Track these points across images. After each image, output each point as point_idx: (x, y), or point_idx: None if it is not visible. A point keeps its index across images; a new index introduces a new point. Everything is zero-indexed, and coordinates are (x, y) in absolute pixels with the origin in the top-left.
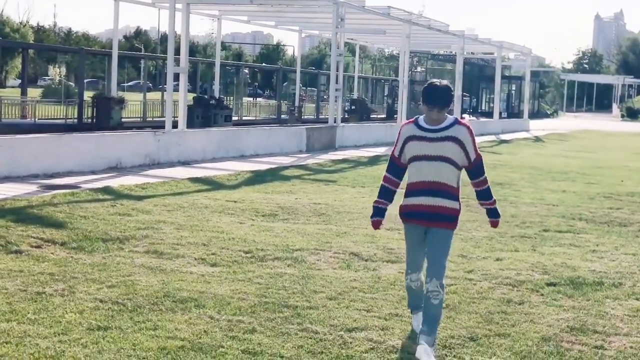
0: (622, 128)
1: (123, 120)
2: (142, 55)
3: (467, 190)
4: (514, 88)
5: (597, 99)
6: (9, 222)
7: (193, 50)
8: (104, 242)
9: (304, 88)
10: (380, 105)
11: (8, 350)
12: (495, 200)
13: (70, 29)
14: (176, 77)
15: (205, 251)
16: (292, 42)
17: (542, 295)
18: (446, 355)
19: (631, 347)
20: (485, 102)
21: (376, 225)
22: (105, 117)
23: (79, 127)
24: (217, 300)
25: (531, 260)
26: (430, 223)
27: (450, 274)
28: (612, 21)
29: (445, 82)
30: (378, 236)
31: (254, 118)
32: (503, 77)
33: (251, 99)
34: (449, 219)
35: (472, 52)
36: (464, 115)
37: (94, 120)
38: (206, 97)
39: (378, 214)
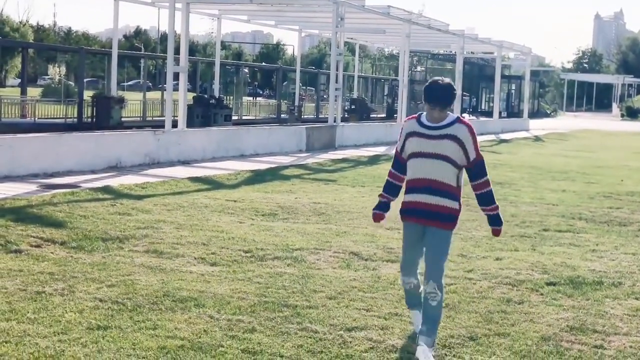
0: (622, 127)
1: (123, 119)
2: (141, 54)
3: (467, 189)
4: (513, 87)
5: (597, 99)
6: (9, 221)
7: (193, 49)
8: (104, 241)
9: (304, 87)
10: (380, 104)
11: (8, 349)
12: (497, 207)
13: (70, 28)
14: (176, 76)
15: (205, 250)
16: (292, 41)
17: (541, 294)
18: (446, 354)
19: (631, 347)
20: (485, 102)
21: (376, 218)
22: (105, 116)
23: (78, 126)
24: (216, 299)
25: (531, 259)
26: (429, 222)
27: (450, 273)
28: (612, 20)
29: (447, 80)
30: (378, 236)
31: (253, 117)
32: (503, 76)
33: (251, 98)
34: (448, 218)
35: (472, 52)
36: (463, 115)
37: (94, 119)
38: (206, 96)
39: (380, 207)
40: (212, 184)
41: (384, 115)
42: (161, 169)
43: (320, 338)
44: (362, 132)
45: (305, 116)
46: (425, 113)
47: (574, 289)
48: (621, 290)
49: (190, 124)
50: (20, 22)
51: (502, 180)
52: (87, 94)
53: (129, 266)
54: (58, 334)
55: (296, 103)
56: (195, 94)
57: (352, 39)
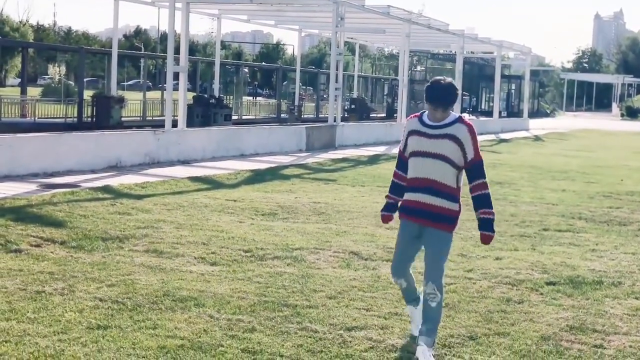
0: (622, 127)
1: (123, 119)
2: (141, 54)
3: (466, 189)
4: (513, 87)
5: (596, 98)
6: (9, 221)
7: (193, 49)
8: (104, 241)
9: (304, 87)
10: (380, 104)
11: (8, 349)
12: (493, 213)
13: (70, 28)
14: (176, 76)
15: (205, 250)
16: (291, 41)
17: (541, 294)
18: (446, 354)
19: (630, 346)
20: (485, 101)
21: (385, 219)
22: (105, 116)
23: (78, 126)
24: (216, 299)
25: (531, 259)
26: (428, 222)
27: (449, 272)
28: (612, 20)
29: (449, 79)
30: (378, 235)
31: (253, 117)
32: (503, 76)
33: (251, 98)
34: (448, 220)
35: (471, 52)
36: (463, 115)
37: (94, 119)
38: (206, 96)
39: (387, 208)
40: (212, 183)
41: (383, 115)
42: (161, 168)
43: (320, 337)
44: (362, 131)
45: (305, 116)
46: (427, 112)
47: (573, 288)
48: (621, 290)
49: (190, 123)
50: (20, 22)
51: (502, 179)
52: (87, 94)
53: (128, 266)
54: (58, 333)
55: (296, 103)
56: (195, 94)
57: (352, 38)
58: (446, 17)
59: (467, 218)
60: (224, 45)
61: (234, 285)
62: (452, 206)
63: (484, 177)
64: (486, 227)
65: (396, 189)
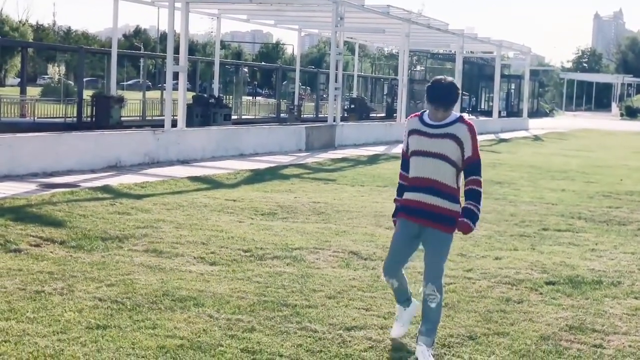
0: (621, 127)
1: (122, 119)
2: (141, 54)
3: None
4: (513, 87)
5: (596, 98)
6: (8, 220)
7: (192, 49)
8: (103, 240)
9: (304, 87)
10: (380, 104)
11: (7, 349)
12: (479, 209)
13: (69, 27)
14: (175, 75)
15: (205, 250)
16: (291, 40)
17: (541, 294)
18: (445, 354)
19: (630, 346)
20: (484, 101)
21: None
22: (104, 115)
23: (78, 125)
24: (216, 299)
25: (530, 259)
26: (428, 223)
27: (449, 272)
28: (612, 20)
29: (449, 78)
30: (377, 235)
31: (253, 117)
32: (502, 76)
33: (250, 97)
34: (449, 221)
35: (471, 51)
36: (463, 114)
37: (94, 119)
38: (205, 95)
39: (397, 214)
40: (212, 183)
41: (383, 114)
42: (161, 168)
43: (319, 337)
44: (362, 131)
45: (304, 115)
46: (427, 111)
47: (573, 288)
48: (620, 290)
49: (189, 123)
50: (20, 22)
51: (501, 179)
52: (87, 94)
53: (128, 265)
54: (57, 333)
55: (296, 102)
56: (194, 94)
57: (351, 38)
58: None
59: None
60: (223, 45)
61: (233, 285)
62: (453, 207)
63: (480, 176)
64: (470, 215)
65: (402, 191)
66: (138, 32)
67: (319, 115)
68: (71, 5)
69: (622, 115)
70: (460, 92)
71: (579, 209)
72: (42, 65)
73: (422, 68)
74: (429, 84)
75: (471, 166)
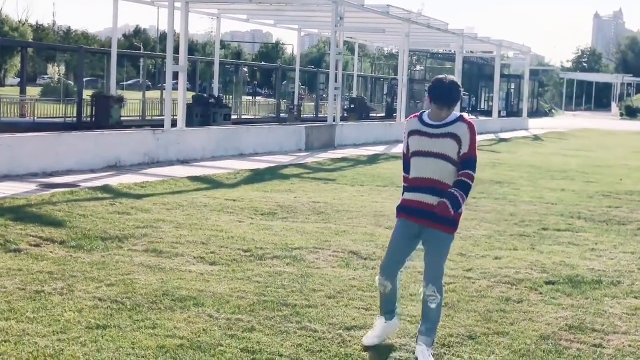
0: (621, 126)
1: (122, 118)
2: (141, 53)
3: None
4: (513, 86)
5: (596, 98)
6: (8, 220)
7: (192, 48)
8: (103, 240)
9: (303, 87)
10: (380, 103)
11: (7, 348)
12: (464, 197)
13: (69, 27)
14: (175, 75)
15: (204, 250)
16: (291, 40)
17: (540, 293)
18: (445, 353)
19: (629, 346)
20: (484, 101)
21: None
22: (104, 115)
23: (78, 125)
24: (216, 298)
25: (530, 258)
26: (430, 223)
27: (449, 272)
28: (611, 20)
29: (451, 77)
30: (377, 235)
31: (253, 117)
32: (502, 75)
33: (250, 97)
34: (451, 221)
35: (471, 51)
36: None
37: (93, 118)
38: (205, 95)
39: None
40: (211, 183)
41: (383, 114)
42: (160, 168)
43: (319, 337)
44: (362, 131)
45: (304, 115)
46: (427, 111)
47: (572, 287)
48: (620, 289)
49: (189, 123)
50: (20, 21)
51: (501, 179)
52: (87, 93)
53: (128, 265)
54: (57, 333)
55: (295, 102)
56: (194, 93)
57: (351, 38)
58: (445, 16)
59: (466, 217)
60: (223, 45)
61: (233, 284)
62: None
63: (472, 171)
64: (451, 198)
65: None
66: (138, 31)
67: (319, 115)
68: (71, 5)
69: (621, 114)
70: (462, 90)
71: (579, 208)
72: (42, 65)
73: (422, 68)
74: (431, 83)
75: (465, 162)
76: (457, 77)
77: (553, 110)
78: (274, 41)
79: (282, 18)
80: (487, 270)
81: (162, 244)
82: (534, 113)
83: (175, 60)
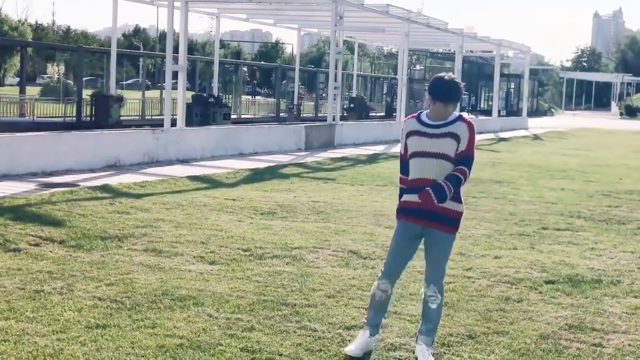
0: (621, 126)
1: (122, 118)
2: (140, 53)
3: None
4: (512, 86)
5: (596, 97)
6: (8, 220)
7: (192, 48)
8: (103, 240)
9: (303, 86)
10: (379, 103)
11: (6, 348)
12: (450, 189)
13: (68, 27)
14: (175, 75)
15: (204, 249)
16: (291, 40)
17: (540, 293)
18: (445, 352)
19: (629, 345)
20: (484, 100)
21: None
22: (104, 115)
23: (77, 125)
24: (215, 298)
25: (530, 258)
26: (432, 224)
27: (448, 272)
28: (611, 19)
29: (451, 74)
30: (376, 234)
31: (252, 116)
32: (502, 75)
33: (250, 97)
34: (453, 222)
35: (471, 50)
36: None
37: (93, 118)
38: (205, 95)
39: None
40: (211, 182)
41: (383, 114)
42: (160, 167)
43: (319, 336)
44: (361, 130)
45: (304, 115)
46: (425, 112)
47: (572, 287)
48: (620, 289)
49: (189, 122)
50: (19, 21)
51: (501, 178)
52: (86, 93)
53: (127, 265)
54: (57, 332)
55: (295, 102)
56: (194, 93)
57: (351, 37)
58: (445, 16)
59: (466, 217)
60: (222, 44)
61: (233, 284)
62: (456, 207)
63: (467, 168)
64: (434, 188)
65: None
66: (137, 31)
67: (319, 115)
68: (70, 4)
69: (621, 114)
70: (462, 85)
71: (579, 208)
72: (42, 65)
73: (422, 67)
74: (432, 82)
75: (461, 160)
76: (457, 77)
77: (552, 110)
78: (273, 41)
79: (281, 17)
80: (487, 269)
81: (162, 244)
82: (534, 112)
83: (175, 60)
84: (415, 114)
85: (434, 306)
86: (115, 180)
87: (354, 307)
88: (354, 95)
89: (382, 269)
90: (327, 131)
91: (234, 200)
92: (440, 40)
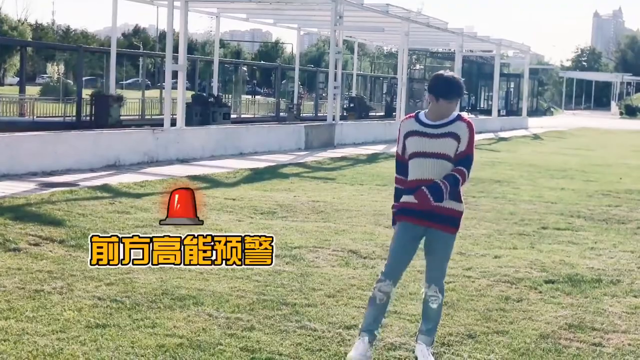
0: (621, 125)
1: (122, 118)
2: (140, 53)
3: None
4: (512, 86)
5: (595, 97)
6: (8, 220)
7: (191, 48)
8: None
9: (303, 86)
10: (379, 103)
11: (6, 347)
12: (447, 188)
13: (68, 26)
14: (175, 74)
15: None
16: (290, 39)
17: (540, 292)
18: (444, 352)
19: (629, 345)
20: (484, 100)
21: None
22: (103, 115)
23: (77, 125)
24: (215, 297)
25: (529, 257)
26: (433, 224)
27: (448, 271)
28: (611, 19)
29: (448, 72)
30: (376, 234)
31: (252, 116)
32: (502, 74)
33: (250, 96)
34: (454, 222)
35: (470, 50)
36: (462, 113)
37: (93, 118)
38: (205, 94)
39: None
40: (211, 182)
41: (382, 113)
42: (160, 167)
43: (319, 336)
44: (361, 130)
45: (304, 114)
46: (424, 111)
47: (572, 286)
48: (620, 288)
49: (189, 122)
50: (19, 21)
51: (500, 178)
52: (86, 93)
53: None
54: (57, 332)
55: (295, 101)
56: (194, 93)
57: (351, 37)
58: (445, 15)
59: (465, 216)
60: (222, 44)
61: (232, 283)
62: (458, 207)
63: (467, 169)
64: (430, 187)
65: (400, 196)
66: (137, 31)
67: (319, 114)
68: (70, 4)
69: (621, 113)
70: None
71: (578, 207)
72: (41, 64)
73: (422, 67)
74: (433, 81)
75: (461, 160)
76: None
77: (552, 109)
78: (273, 40)
79: (281, 17)
80: (487, 269)
81: None
82: (534, 112)
83: (175, 60)
84: (413, 114)
85: (434, 306)
86: (115, 179)
87: (354, 307)
88: (353, 94)
89: (383, 270)
90: (327, 131)
91: (233, 199)
92: (440, 40)
